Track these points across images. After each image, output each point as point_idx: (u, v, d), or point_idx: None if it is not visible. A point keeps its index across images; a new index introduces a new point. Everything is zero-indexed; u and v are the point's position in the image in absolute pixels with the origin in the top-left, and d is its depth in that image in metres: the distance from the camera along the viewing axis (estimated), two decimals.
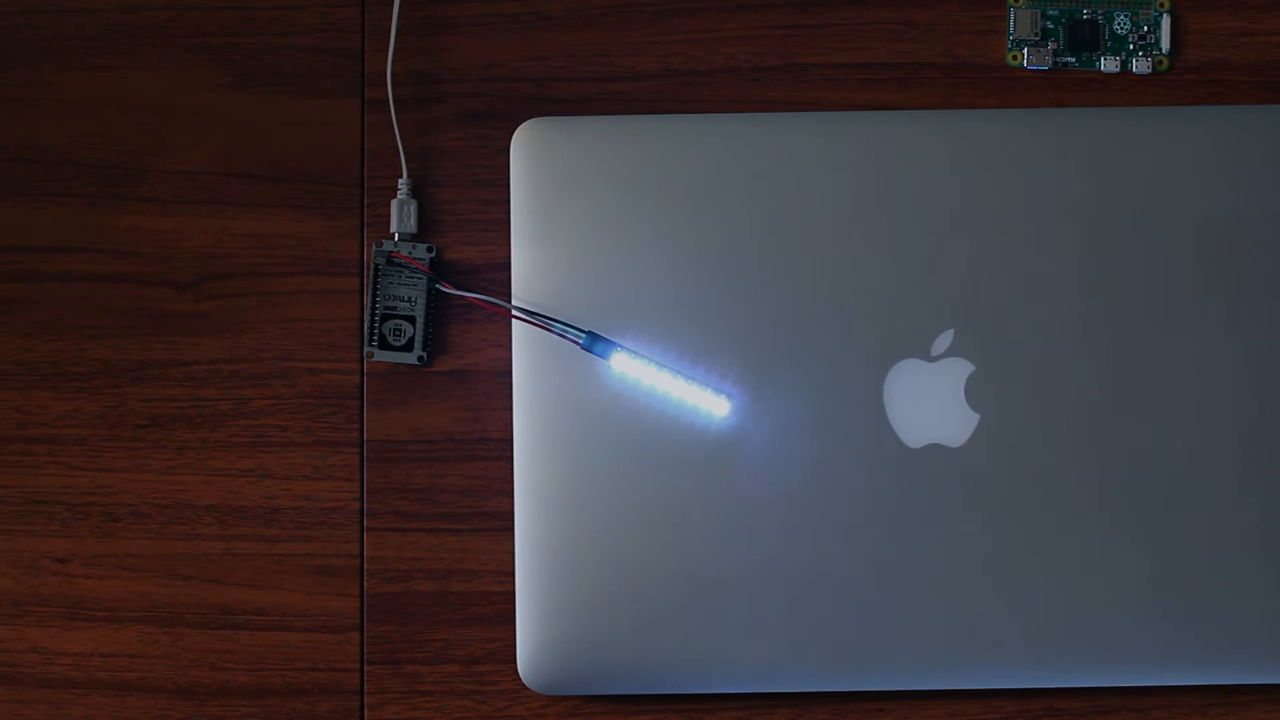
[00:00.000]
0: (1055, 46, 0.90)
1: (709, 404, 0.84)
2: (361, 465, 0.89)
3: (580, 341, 0.85)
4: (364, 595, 0.88)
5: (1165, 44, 0.90)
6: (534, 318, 0.85)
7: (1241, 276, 0.85)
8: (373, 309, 0.88)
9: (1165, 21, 0.90)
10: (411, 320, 0.88)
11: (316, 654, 0.88)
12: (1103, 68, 0.90)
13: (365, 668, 0.88)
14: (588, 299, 0.85)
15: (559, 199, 0.86)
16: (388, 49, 0.89)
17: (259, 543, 0.89)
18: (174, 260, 0.90)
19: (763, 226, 0.85)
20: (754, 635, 0.84)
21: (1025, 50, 0.90)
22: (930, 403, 0.85)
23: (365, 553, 0.88)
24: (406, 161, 0.89)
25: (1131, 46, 0.90)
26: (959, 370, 0.85)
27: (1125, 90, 0.90)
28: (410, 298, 0.89)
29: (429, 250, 0.89)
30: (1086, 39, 0.90)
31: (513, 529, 0.86)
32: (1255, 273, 0.85)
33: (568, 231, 0.86)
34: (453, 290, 0.88)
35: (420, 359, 0.89)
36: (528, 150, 0.86)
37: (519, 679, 0.86)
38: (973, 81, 0.90)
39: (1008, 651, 0.84)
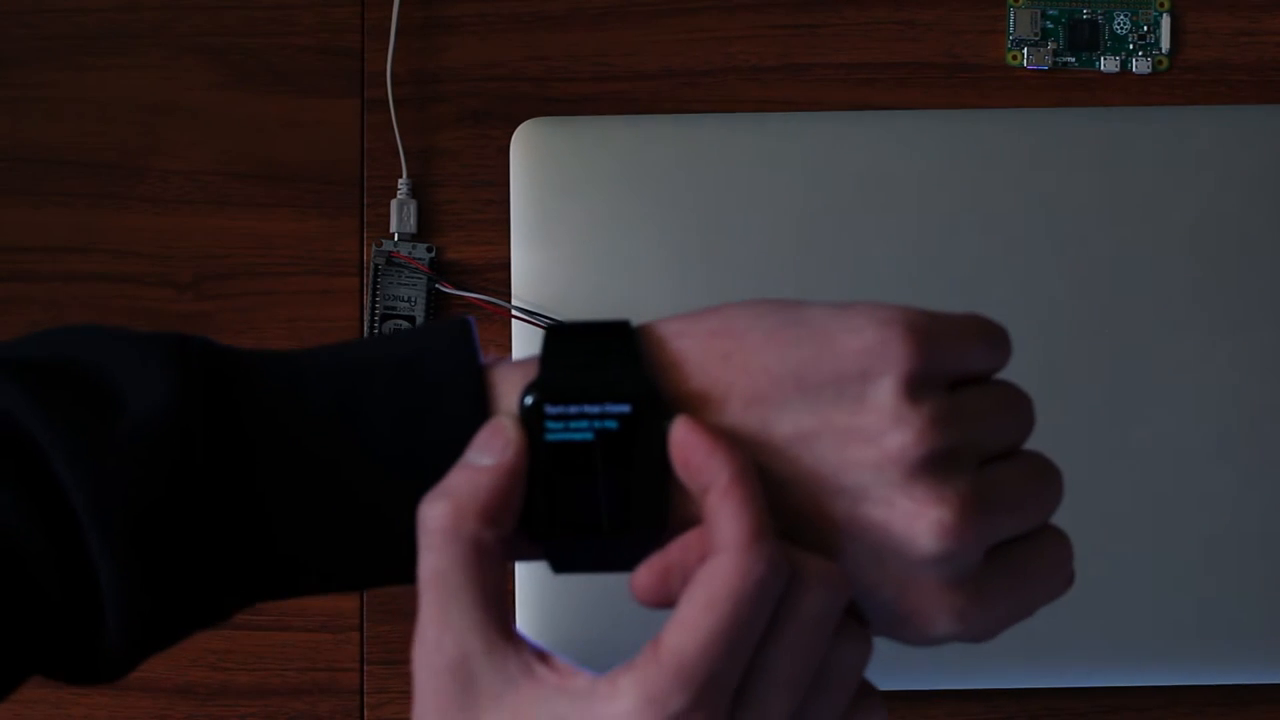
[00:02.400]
0: (1055, 46, 0.90)
1: None
2: None
3: None
4: (364, 595, 0.88)
5: (1165, 44, 0.90)
6: (534, 318, 0.85)
7: (1241, 276, 0.85)
8: (373, 309, 0.88)
9: (1165, 21, 0.90)
10: (411, 320, 0.89)
11: (316, 654, 0.88)
12: (1103, 68, 0.90)
13: (365, 668, 0.88)
14: (588, 299, 0.85)
15: (559, 199, 0.86)
16: (387, 49, 0.89)
17: None
18: (174, 260, 0.89)
19: (763, 226, 0.85)
20: None
21: (1025, 50, 0.90)
22: None
23: None
24: (406, 161, 0.89)
25: (1131, 46, 0.90)
26: None
27: (1125, 90, 0.90)
28: (410, 298, 0.89)
29: (429, 250, 0.89)
30: (1086, 39, 0.90)
31: None
32: (1255, 273, 0.85)
33: (568, 231, 0.86)
34: (453, 290, 0.88)
35: None
36: (528, 150, 0.86)
37: None
38: (973, 81, 0.90)
39: (1008, 651, 0.84)
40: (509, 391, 0.51)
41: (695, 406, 0.50)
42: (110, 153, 0.90)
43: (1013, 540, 0.52)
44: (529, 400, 0.50)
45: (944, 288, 0.85)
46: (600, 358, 0.51)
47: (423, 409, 0.50)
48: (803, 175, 0.85)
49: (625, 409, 0.50)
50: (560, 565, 0.51)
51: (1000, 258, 0.85)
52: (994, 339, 0.53)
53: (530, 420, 0.50)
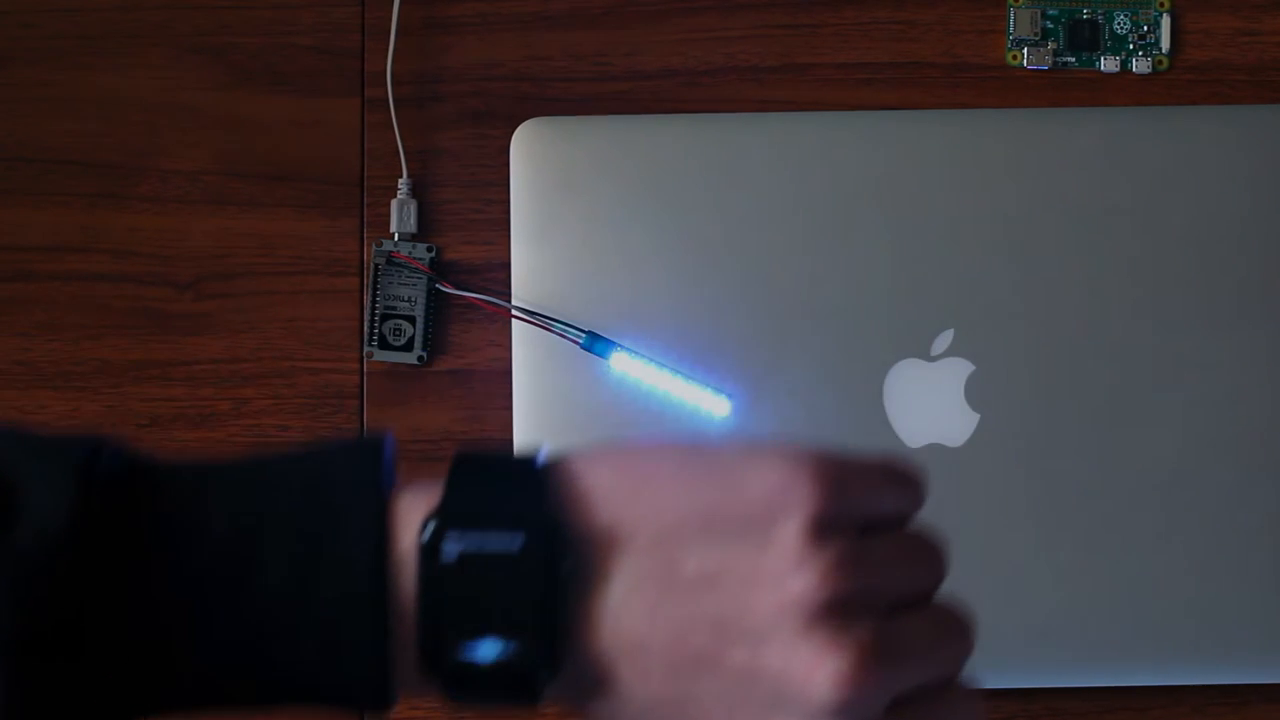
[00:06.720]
0: (1055, 46, 0.90)
1: (709, 404, 0.84)
2: None
3: (580, 341, 0.85)
4: None
5: (1165, 44, 0.90)
6: (534, 317, 0.85)
7: (1241, 277, 0.85)
8: (373, 309, 0.89)
9: (1165, 21, 0.90)
10: (411, 320, 0.89)
11: None
12: (1103, 67, 0.90)
13: None
14: (588, 299, 0.85)
15: (559, 199, 0.86)
16: (388, 49, 0.89)
17: None
18: (174, 260, 0.89)
19: (763, 226, 0.85)
20: None
21: (1025, 50, 0.90)
22: (930, 403, 0.85)
23: None
24: (406, 161, 0.89)
25: (1131, 46, 0.90)
26: (959, 370, 0.85)
27: (1125, 90, 0.90)
28: (410, 297, 0.89)
29: (429, 250, 0.89)
30: (1086, 39, 0.90)
31: None
32: (1255, 273, 0.85)
33: (568, 231, 0.86)
34: (453, 290, 0.88)
35: (420, 359, 0.89)
36: (528, 150, 0.86)
37: None
38: (973, 81, 0.90)
39: (1008, 651, 0.84)
40: (414, 520, 0.50)
41: (600, 542, 0.49)
42: (110, 153, 0.90)
43: (919, 694, 0.50)
44: (429, 529, 0.49)
45: (944, 287, 0.85)
46: (506, 488, 0.50)
47: (322, 550, 0.49)
48: (803, 175, 0.85)
49: (525, 541, 0.49)
50: (455, 698, 0.50)
51: (1000, 258, 0.85)
52: (906, 483, 0.51)
53: (429, 550, 0.49)
